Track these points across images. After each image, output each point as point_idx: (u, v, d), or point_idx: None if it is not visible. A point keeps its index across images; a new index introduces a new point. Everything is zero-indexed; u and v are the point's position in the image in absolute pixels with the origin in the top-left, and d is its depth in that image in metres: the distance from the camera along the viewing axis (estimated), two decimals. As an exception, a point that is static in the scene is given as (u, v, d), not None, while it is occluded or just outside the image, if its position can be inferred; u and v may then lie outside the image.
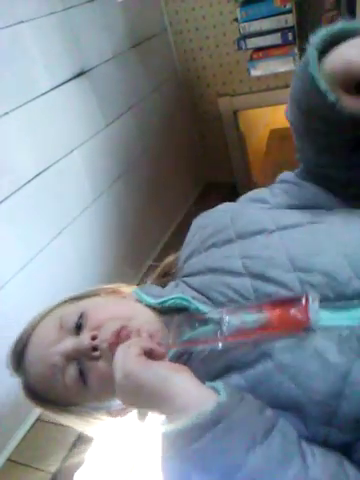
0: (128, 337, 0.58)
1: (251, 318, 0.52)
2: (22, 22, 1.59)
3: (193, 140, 2.84)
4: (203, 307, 0.58)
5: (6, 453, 1.54)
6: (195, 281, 0.62)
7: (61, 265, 1.77)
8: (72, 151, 1.82)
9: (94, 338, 0.59)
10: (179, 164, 2.66)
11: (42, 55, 1.67)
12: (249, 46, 2.08)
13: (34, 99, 1.64)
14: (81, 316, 0.61)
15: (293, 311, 0.50)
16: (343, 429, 0.47)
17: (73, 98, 1.84)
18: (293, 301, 0.51)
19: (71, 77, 1.82)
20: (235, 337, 0.52)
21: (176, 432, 0.46)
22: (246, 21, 2.01)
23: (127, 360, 0.51)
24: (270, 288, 0.54)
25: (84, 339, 0.59)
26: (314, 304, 0.50)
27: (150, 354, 0.53)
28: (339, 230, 0.59)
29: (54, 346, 0.60)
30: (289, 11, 1.94)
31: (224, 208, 0.72)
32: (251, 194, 0.73)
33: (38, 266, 1.65)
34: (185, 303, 0.59)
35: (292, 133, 0.65)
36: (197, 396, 0.48)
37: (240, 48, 2.11)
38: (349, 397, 0.47)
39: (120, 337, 0.58)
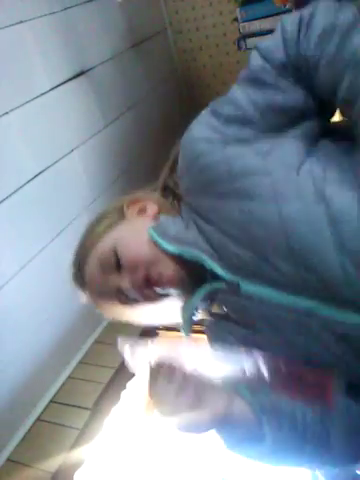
0: (153, 282, 0.69)
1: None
2: (22, 22, 1.59)
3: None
4: (219, 270, 0.64)
5: (6, 453, 1.54)
6: (205, 230, 0.66)
7: (61, 265, 1.76)
8: (72, 151, 1.82)
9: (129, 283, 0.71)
10: (179, 164, 2.65)
11: (42, 55, 1.68)
12: (249, 46, 2.08)
13: (34, 99, 1.64)
14: (115, 255, 0.72)
15: (318, 388, 0.56)
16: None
17: (73, 98, 1.83)
18: (321, 379, 0.56)
19: (71, 77, 1.82)
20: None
21: None
22: (246, 21, 2.01)
23: (165, 407, 0.60)
24: (272, 274, 0.59)
25: (124, 284, 0.71)
26: (337, 388, 0.55)
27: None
28: (341, 212, 0.56)
29: (102, 284, 0.75)
30: (289, 11, 1.94)
31: (220, 156, 0.66)
32: (230, 112, 0.71)
33: (38, 266, 1.65)
34: (201, 260, 0.65)
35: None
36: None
37: (240, 48, 2.11)
38: None
39: (145, 284, 0.70)
